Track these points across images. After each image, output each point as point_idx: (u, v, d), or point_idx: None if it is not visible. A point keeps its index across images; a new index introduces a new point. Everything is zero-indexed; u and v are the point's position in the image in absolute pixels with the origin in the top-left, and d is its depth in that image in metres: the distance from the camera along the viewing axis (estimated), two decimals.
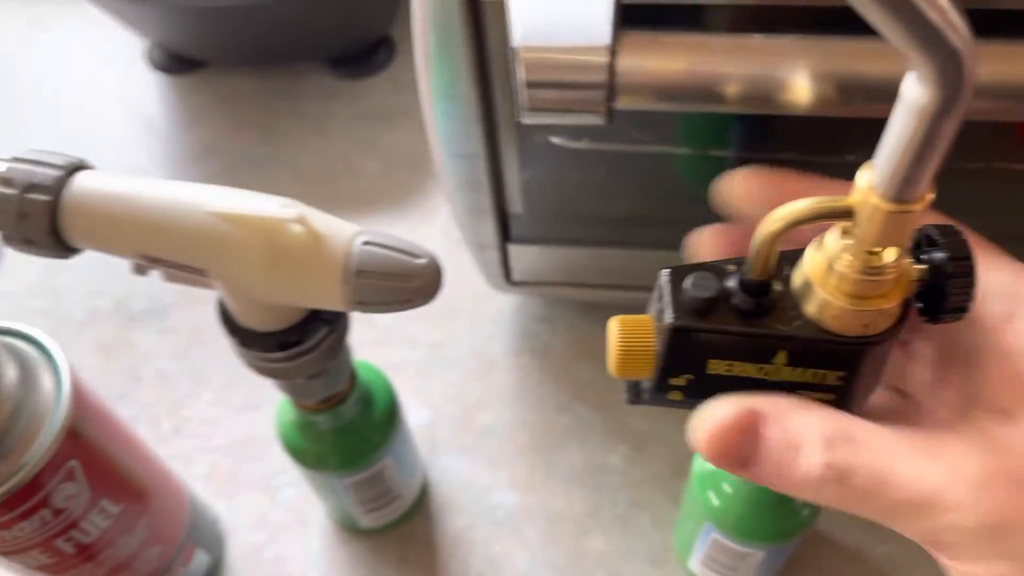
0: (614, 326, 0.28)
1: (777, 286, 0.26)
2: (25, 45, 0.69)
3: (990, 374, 0.25)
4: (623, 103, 0.28)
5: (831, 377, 0.26)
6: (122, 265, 0.58)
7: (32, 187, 0.28)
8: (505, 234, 0.48)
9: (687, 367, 0.27)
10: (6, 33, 0.70)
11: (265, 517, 0.49)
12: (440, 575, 0.47)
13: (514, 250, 0.49)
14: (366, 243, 0.29)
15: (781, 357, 0.26)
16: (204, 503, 0.47)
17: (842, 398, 0.28)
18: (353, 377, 0.39)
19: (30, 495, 0.32)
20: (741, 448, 0.25)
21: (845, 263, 0.24)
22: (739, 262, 0.26)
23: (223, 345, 0.55)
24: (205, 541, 0.45)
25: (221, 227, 0.28)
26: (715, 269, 0.26)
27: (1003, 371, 0.24)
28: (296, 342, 0.32)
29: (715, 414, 0.25)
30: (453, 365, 0.54)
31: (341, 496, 0.43)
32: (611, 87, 0.27)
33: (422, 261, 0.29)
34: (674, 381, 0.28)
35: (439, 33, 0.36)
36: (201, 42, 0.65)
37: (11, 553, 0.35)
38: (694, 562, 0.44)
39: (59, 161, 0.29)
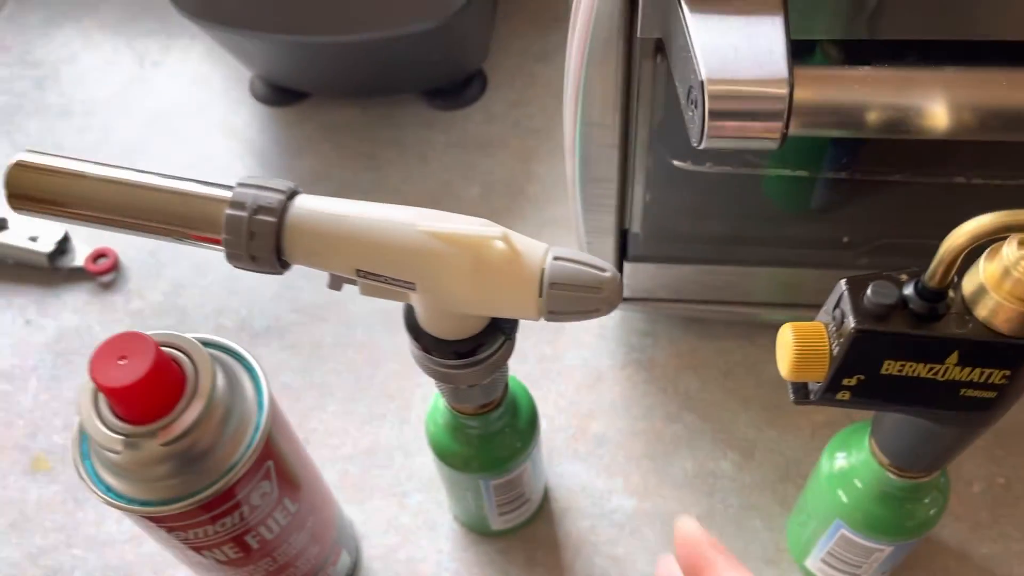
0: (789, 333, 0.31)
1: (949, 292, 0.29)
2: (138, 80, 0.73)
3: None
4: (796, 130, 0.31)
5: (996, 376, 0.29)
6: (243, 285, 0.61)
7: (260, 209, 0.32)
8: (623, 252, 0.51)
9: (861, 368, 0.30)
10: (120, 69, 0.74)
11: (395, 521, 0.52)
12: (566, 575, 0.49)
13: (628, 268, 0.52)
14: (557, 258, 0.32)
15: (953, 358, 0.29)
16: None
17: (1002, 396, 0.30)
18: (506, 386, 0.42)
19: (235, 493, 0.35)
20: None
21: (1023, 269, 0.27)
22: (913, 272, 0.29)
23: (342, 361, 0.58)
24: (347, 543, 0.48)
25: (433, 244, 0.31)
26: (890, 278, 0.29)
27: None
28: (474, 351, 0.35)
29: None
30: (563, 378, 0.57)
31: (481, 498, 0.46)
32: (788, 116, 0.30)
33: (608, 274, 0.32)
34: (846, 381, 0.31)
35: (594, 66, 0.39)
36: (306, 75, 0.68)
37: (205, 548, 0.38)
38: (812, 560, 0.46)
39: (280, 186, 0.32)
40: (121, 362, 0.32)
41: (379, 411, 0.56)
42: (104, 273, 0.62)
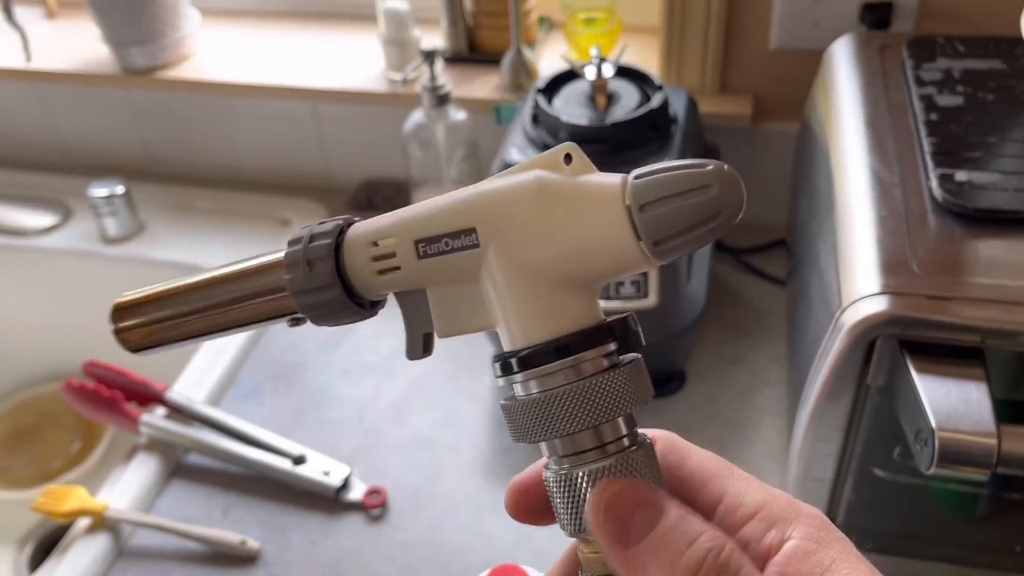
0: None
1: None
2: (401, 350, 0.92)
3: None
4: (1002, 470, 0.44)
5: None
6: (486, 528, 0.74)
7: (315, 236, 0.31)
8: None
9: None
10: (388, 339, 0.93)
11: None
12: None
13: None
14: (638, 176, 0.27)
15: None
16: None
17: None
18: None
19: None
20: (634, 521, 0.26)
21: None
22: None
23: None
24: None
25: (490, 185, 0.29)
26: None
27: None
28: (578, 345, 0.29)
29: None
30: None
31: None
32: (997, 460, 0.43)
33: (711, 166, 0.26)
34: None
35: (830, 399, 0.53)
36: None
37: None
38: None
39: (335, 219, 0.32)
40: None
41: None
42: (376, 507, 0.76)
